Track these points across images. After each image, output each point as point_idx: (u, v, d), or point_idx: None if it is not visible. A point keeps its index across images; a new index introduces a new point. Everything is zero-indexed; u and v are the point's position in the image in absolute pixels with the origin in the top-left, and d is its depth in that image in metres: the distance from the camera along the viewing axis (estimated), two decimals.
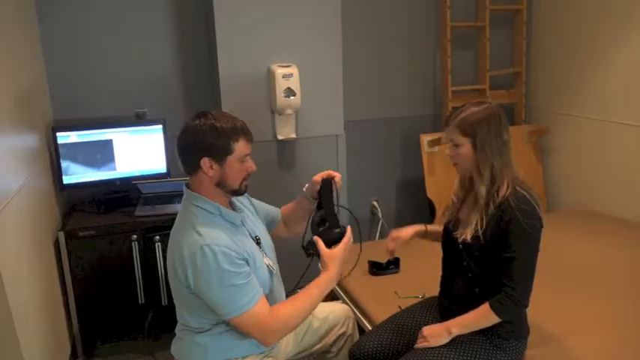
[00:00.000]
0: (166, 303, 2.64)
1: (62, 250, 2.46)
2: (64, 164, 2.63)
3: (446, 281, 1.79)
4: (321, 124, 2.88)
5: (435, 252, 1.81)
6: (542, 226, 1.55)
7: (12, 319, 1.69)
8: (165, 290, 2.62)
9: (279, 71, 2.65)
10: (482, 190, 1.57)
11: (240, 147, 1.55)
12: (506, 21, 3.55)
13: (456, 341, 1.61)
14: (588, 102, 3.20)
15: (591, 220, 3.01)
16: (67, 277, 2.49)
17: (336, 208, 1.68)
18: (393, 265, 2.41)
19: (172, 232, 1.61)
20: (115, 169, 2.75)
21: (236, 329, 1.56)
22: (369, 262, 2.41)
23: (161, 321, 2.69)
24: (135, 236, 2.53)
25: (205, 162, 1.53)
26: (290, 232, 1.93)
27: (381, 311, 2.02)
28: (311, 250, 1.62)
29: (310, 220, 1.67)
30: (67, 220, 2.61)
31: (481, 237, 1.56)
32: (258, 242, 1.67)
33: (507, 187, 1.56)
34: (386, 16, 3.30)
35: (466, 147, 1.57)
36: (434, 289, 1.84)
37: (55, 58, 2.77)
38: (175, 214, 2.57)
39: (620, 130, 3.00)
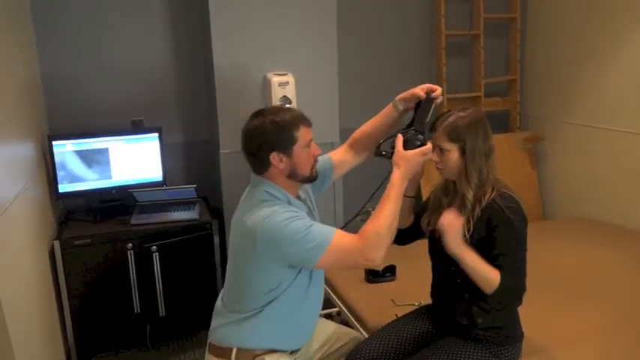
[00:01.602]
0: (164, 314, 2.63)
1: (57, 258, 2.45)
2: (59, 173, 2.63)
3: (436, 289, 1.80)
4: (316, 132, 2.83)
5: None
6: (526, 223, 1.58)
7: (7, 330, 1.68)
8: (162, 301, 2.61)
9: (275, 79, 2.66)
10: (470, 194, 1.58)
11: (303, 134, 1.58)
12: (500, 29, 3.58)
13: (453, 350, 1.61)
14: (583, 109, 3.22)
15: (587, 228, 3.02)
16: (62, 287, 2.48)
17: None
18: (389, 272, 2.41)
19: (236, 217, 1.63)
20: (110, 177, 2.75)
21: (307, 295, 1.61)
22: (365, 269, 2.41)
23: (160, 332, 2.68)
24: (130, 245, 2.52)
25: (275, 157, 1.56)
26: (361, 156, 1.90)
27: (378, 319, 2.01)
28: (384, 151, 1.61)
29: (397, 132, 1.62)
30: (62, 229, 2.61)
31: (468, 240, 1.57)
32: None
33: (492, 189, 1.59)
34: (381, 24, 3.32)
35: (454, 153, 1.58)
36: (430, 297, 1.84)
37: (50, 66, 2.77)
38: (171, 222, 2.63)
39: (614, 136, 3.01)
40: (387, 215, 1.52)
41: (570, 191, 3.38)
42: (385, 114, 1.82)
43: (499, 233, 1.54)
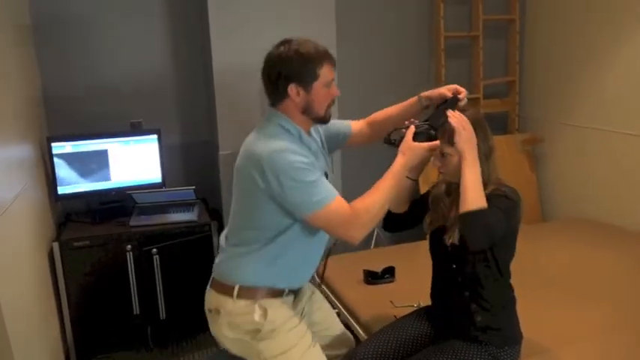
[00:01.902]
0: (164, 317, 2.62)
1: (56, 260, 2.45)
2: (59, 174, 2.63)
3: (436, 288, 1.80)
4: None
5: (430, 261, 1.81)
6: (520, 205, 1.57)
7: (6, 331, 1.68)
8: (163, 304, 2.61)
9: None
10: None
11: (325, 72, 1.56)
12: (499, 31, 3.58)
13: (452, 352, 1.61)
14: (581, 111, 3.23)
15: (586, 229, 3.02)
16: (62, 288, 2.48)
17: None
18: (388, 274, 2.41)
19: (246, 143, 1.61)
20: (109, 179, 2.75)
21: (311, 233, 1.60)
22: (364, 271, 2.41)
23: (160, 334, 2.68)
24: (129, 246, 2.52)
25: (292, 89, 1.55)
26: (374, 136, 1.88)
27: (377, 321, 2.02)
28: (394, 139, 1.62)
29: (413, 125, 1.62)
30: (61, 231, 2.61)
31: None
32: (326, 177, 1.68)
33: (492, 186, 1.59)
34: (380, 25, 3.33)
35: (454, 156, 1.57)
36: (429, 298, 1.84)
37: (50, 68, 2.77)
38: (170, 223, 2.63)
39: (613, 138, 3.02)
40: (380, 197, 1.53)
41: (569, 192, 3.38)
42: (408, 104, 1.81)
43: (492, 202, 1.52)
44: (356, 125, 1.90)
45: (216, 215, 2.83)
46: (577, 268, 2.50)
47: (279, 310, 1.63)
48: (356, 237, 1.52)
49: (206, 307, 1.72)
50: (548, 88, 3.47)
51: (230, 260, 1.66)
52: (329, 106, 1.63)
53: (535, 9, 3.52)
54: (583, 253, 2.66)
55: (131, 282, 2.55)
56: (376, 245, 3.43)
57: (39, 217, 2.39)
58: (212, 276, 1.71)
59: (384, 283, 2.39)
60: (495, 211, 1.50)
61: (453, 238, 1.61)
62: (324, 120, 1.64)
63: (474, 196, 1.48)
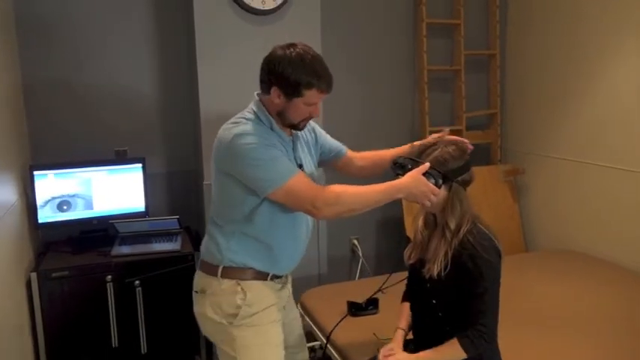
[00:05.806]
0: (146, 351, 2.56)
1: (34, 291, 2.39)
2: (40, 203, 2.59)
3: (417, 322, 1.79)
4: None
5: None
6: (500, 258, 1.58)
7: None
8: (144, 337, 2.56)
9: None
10: (453, 225, 1.59)
11: (311, 95, 1.60)
12: (480, 65, 3.67)
13: None
14: (562, 143, 3.30)
15: (568, 260, 3.04)
16: (38, 320, 2.41)
17: None
18: (372, 305, 2.40)
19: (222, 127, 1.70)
20: (92, 207, 2.72)
21: (283, 214, 1.65)
22: (347, 302, 2.39)
23: None
24: (110, 277, 2.48)
25: (275, 91, 1.62)
26: (360, 172, 1.94)
27: (360, 353, 1.99)
28: (403, 164, 1.64)
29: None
30: (40, 260, 2.56)
31: (442, 272, 1.57)
32: (299, 167, 1.72)
33: (468, 221, 1.60)
34: (365, 58, 3.39)
35: (443, 191, 1.59)
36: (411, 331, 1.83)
37: (33, 95, 2.76)
38: (152, 253, 2.59)
39: (593, 170, 3.07)
40: (358, 193, 1.59)
41: (551, 223, 3.42)
42: (401, 150, 1.86)
43: (473, 272, 1.54)
44: (351, 153, 1.97)
45: (199, 245, 2.80)
46: (559, 300, 2.50)
47: (258, 294, 1.68)
48: (321, 212, 1.57)
49: (194, 289, 1.78)
50: (529, 120, 3.54)
51: (213, 241, 1.72)
52: (305, 120, 1.68)
53: (515, 45, 3.62)
54: (565, 285, 2.67)
55: (110, 314, 2.50)
56: (361, 275, 3.42)
57: (18, 245, 2.35)
58: (200, 258, 1.77)
59: (368, 315, 2.37)
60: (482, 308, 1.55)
61: (432, 270, 1.61)
62: (295, 128, 1.71)
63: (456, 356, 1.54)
